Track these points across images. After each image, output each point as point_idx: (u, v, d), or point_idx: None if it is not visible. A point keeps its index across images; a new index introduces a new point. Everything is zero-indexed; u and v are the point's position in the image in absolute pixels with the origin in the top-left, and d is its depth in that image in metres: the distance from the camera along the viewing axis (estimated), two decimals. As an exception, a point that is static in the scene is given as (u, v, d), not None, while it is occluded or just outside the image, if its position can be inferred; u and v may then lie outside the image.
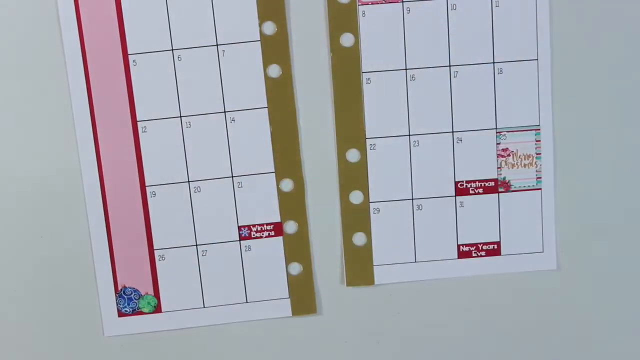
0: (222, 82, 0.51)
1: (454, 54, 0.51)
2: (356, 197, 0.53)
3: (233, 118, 0.51)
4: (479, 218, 0.53)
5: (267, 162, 0.52)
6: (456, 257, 0.53)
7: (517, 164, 0.52)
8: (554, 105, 0.52)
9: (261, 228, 0.53)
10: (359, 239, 0.53)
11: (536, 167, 0.53)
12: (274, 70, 0.51)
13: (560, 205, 0.53)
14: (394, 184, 0.52)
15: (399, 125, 0.52)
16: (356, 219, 0.53)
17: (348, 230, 0.53)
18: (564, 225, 0.53)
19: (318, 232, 0.53)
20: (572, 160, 0.53)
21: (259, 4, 0.50)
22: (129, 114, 0.51)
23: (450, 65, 0.51)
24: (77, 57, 0.51)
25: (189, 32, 0.51)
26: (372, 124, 0.52)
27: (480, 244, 0.53)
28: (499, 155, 0.52)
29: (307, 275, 0.53)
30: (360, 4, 0.51)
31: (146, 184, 0.52)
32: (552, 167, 0.53)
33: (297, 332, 0.54)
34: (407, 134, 0.52)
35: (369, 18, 0.51)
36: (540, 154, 0.52)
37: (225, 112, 0.51)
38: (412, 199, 0.53)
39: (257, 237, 0.53)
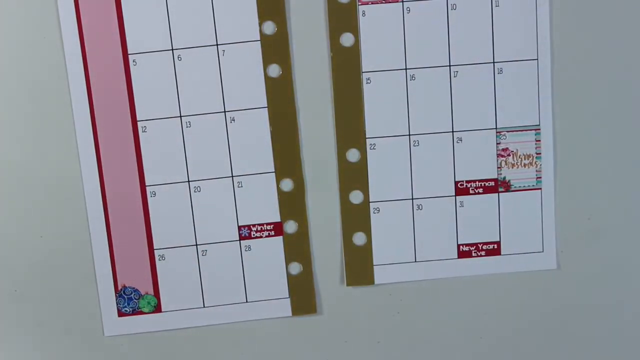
0: (222, 82, 0.51)
1: (454, 54, 0.51)
2: (356, 196, 0.53)
3: (233, 118, 0.51)
4: (479, 218, 0.53)
5: (267, 161, 0.52)
6: (456, 257, 0.53)
7: (517, 164, 0.52)
8: (554, 105, 0.52)
9: (261, 228, 0.53)
10: (359, 238, 0.53)
11: (536, 167, 0.53)
12: (274, 70, 0.51)
13: (560, 205, 0.53)
14: (394, 183, 0.52)
15: (399, 125, 0.52)
16: (356, 218, 0.53)
17: (348, 230, 0.53)
18: (564, 225, 0.53)
19: (318, 231, 0.53)
20: (572, 160, 0.53)
21: (259, 4, 0.50)
22: (129, 113, 0.51)
23: (450, 65, 0.51)
24: (77, 57, 0.51)
25: (189, 32, 0.51)
26: (372, 124, 0.52)
27: (480, 243, 0.53)
28: (499, 155, 0.52)
29: (307, 275, 0.53)
30: (360, 3, 0.51)
31: (146, 184, 0.52)
32: (552, 167, 0.53)
33: (297, 332, 0.54)
34: (407, 133, 0.52)
35: (369, 18, 0.51)
36: (540, 153, 0.52)
37: (225, 111, 0.51)
38: (412, 198, 0.53)
39: (257, 237, 0.53)
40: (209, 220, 0.52)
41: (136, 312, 0.53)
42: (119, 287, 0.53)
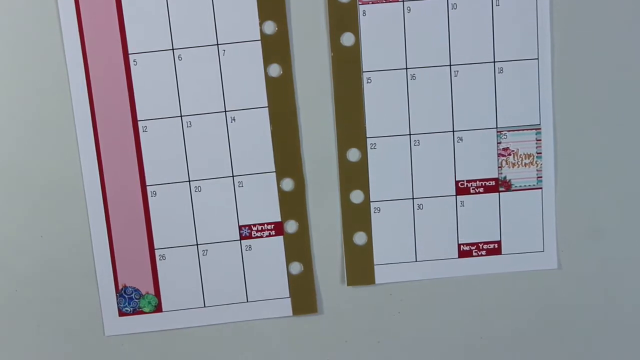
0: (223, 81, 0.51)
1: (455, 53, 0.51)
2: (357, 196, 0.53)
3: (233, 117, 0.51)
4: (480, 217, 0.53)
5: (267, 161, 0.52)
6: (457, 256, 0.53)
7: (517, 164, 0.52)
8: (555, 105, 0.52)
9: (262, 227, 0.53)
10: (359, 238, 0.53)
11: (537, 166, 0.53)
12: (275, 70, 0.51)
13: (560, 205, 0.53)
14: (395, 183, 0.52)
15: (399, 125, 0.52)
16: (357, 218, 0.53)
17: (349, 230, 0.53)
18: (565, 224, 0.53)
19: (319, 231, 0.53)
20: (573, 160, 0.53)
21: (260, 4, 0.50)
22: (130, 113, 0.51)
23: (450, 65, 0.51)
24: (77, 57, 0.51)
25: (189, 32, 0.51)
26: (373, 123, 0.52)
27: (480, 243, 0.53)
28: (499, 155, 0.52)
29: (308, 275, 0.53)
30: (360, 3, 0.51)
31: (146, 184, 0.52)
32: (552, 167, 0.53)
33: (298, 332, 0.54)
34: (408, 133, 0.52)
35: (370, 17, 0.51)
36: (540, 153, 0.52)
37: (225, 111, 0.51)
38: (413, 198, 0.53)
39: (257, 237, 0.53)
40: (210, 220, 0.52)
41: (137, 311, 0.53)
42: (120, 287, 0.53)
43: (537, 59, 0.51)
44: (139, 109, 0.51)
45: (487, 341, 0.55)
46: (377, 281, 0.54)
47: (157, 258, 0.53)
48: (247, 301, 0.53)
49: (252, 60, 0.51)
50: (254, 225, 0.53)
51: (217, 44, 0.51)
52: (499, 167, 0.52)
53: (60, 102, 0.51)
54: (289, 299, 0.54)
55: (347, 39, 0.51)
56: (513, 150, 0.52)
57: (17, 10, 0.50)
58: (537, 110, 0.52)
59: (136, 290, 0.53)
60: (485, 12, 0.51)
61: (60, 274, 0.53)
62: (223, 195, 0.52)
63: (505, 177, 0.53)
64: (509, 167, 0.52)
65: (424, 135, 0.52)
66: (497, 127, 0.52)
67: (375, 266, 0.53)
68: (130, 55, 0.51)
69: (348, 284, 0.54)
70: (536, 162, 0.53)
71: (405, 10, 0.51)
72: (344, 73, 0.51)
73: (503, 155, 0.52)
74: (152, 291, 0.53)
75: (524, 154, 0.52)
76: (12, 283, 0.53)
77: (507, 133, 0.52)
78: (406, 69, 0.51)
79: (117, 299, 0.53)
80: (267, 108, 0.51)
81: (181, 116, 0.51)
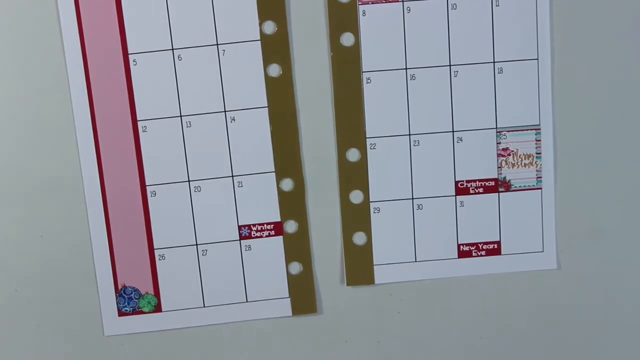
0: (222, 81, 0.51)
1: (454, 54, 0.51)
2: (356, 196, 0.53)
3: (233, 117, 0.51)
4: (479, 218, 0.53)
5: (267, 161, 0.52)
6: (456, 256, 0.53)
7: (517, 164, 0.52)
8: (555, 105, 0.52)
9: (261, 227, 0.53)
10: (359, 238, 0.53)
11: (536, 166, 0.53)
12: (274, 70, 0.51)
13: (560, 205, 0.53)
14: (394, 183, 0.52)
15: (399, 125, 0.52)
16: (356, 218, 0.53)
17: (348, 230, 0.53)
18: (564, 225, 0.53)
19: (318, 231, 0.53)
20: (572, 160, 0.53)
21: (259, 4, 0.50)
22: (129, 113, 0.51)
23: (450, 65, 0.51)
24: (77, 57, 0.51)
25: (189, 32, 0.51)
26: (372, 124, 0.52)
27: (480, 243, 0.53)
28: (499, 155, 0.52)
29: (308, 275, 0.53)
30: (360, 3, 0.51)
31: (146, 184, 0.52)
32: (552, 167, 0.53)
33: (298, 332, 0.54)
34: (408, 133, 0.52)
35: (369, 17, 0.51)
36: (540, 153, 0.52)
37: (225, 111, 0.51)
38: (413, 198, 0.53)
39: (257, 237, 0.53)
40: (209, 220, 0.52)
41: (136, 311, 0.53)
42: (119, 287, 0.53)
43: (537, 59, 0.51)
44: (138, 109, 0.51)
45: (487, 341, 0.55)
46: (376, 281, 0.54)
47: (157, 258, 0.53)
48: (247, 301, 0.53)
49: (251, 61, 0.51)
50: (254, 225, 0.53)
51: (217, 44, 0.51)
52: (498, 167, 0.52)
53: (60, 102, 0.51)
54: (289, 299, 0.54)
55: (347, 39, 0.51)
56: (513, 151, 0.52)
57: (17, 10, 0.50)
58: (536, 110, 0.52)
59: (136, 290, 0.53)
60: (485, 12, 0.51)
61: (60, 274, 0.53)
62: (223, 195, 0.52)
63: (504, 178, 0.53)
64: (508, 168, 0.52)
65: (424, 135, 0.52)
66: (496, 128, 0.52)
67: (374, 266, 0.53)
68: (130, 56, 0.51)
69: (348, 284, 0.54)
70: (536, 163, 0.53)
71: (405, 11, 0.51)
72: (344, 73, 0.51)
73: (503, 156, 0.52)
74: (151, 291, 0.53)
75: (523, 154, 0.52)
76: (12, 283, 0.53)
77: (507, 133, 0.52)
78: (406, 69, 0.51)
79: (116, 299, 0.53)
80: (266, 108, 0.51)
81: (181, 116, 0.51)
